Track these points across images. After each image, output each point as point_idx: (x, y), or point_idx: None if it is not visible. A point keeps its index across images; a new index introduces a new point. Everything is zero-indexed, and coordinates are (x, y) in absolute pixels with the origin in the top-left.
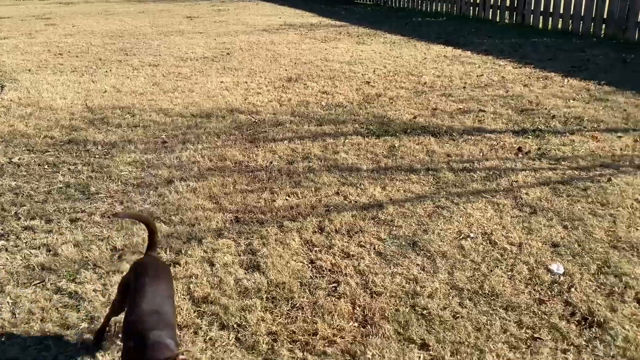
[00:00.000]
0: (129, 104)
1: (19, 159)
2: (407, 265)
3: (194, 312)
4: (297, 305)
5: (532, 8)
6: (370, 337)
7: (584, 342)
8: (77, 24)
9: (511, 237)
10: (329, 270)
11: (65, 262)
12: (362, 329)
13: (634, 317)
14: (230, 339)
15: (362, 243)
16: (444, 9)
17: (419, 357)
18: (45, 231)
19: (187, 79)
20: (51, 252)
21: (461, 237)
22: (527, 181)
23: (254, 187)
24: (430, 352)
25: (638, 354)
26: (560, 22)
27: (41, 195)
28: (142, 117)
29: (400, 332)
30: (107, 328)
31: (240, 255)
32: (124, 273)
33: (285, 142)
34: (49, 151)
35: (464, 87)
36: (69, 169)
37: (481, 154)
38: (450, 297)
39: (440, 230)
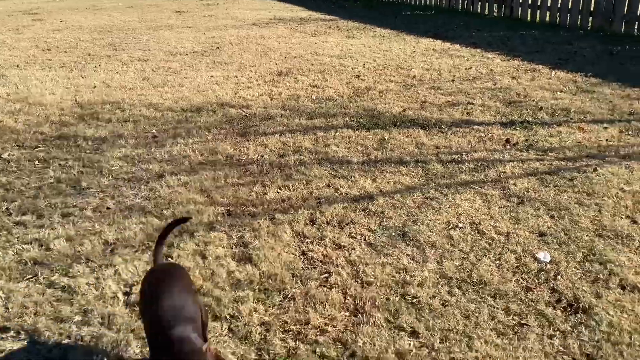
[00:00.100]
0: (118, 99)
1: (9, 154)
2: (397, 255)
3: None
4: (289, 295)
5: (521, 1)
6: (361, 325)
7: (569, 328)
8: (65, 19)
9: (499, 227)
10: (321, 261)
11: (58, 256)
12: (353, 317)
13: (618, 303)
14: (224, 329)
15: (352, 234)
16: (433, 3)
17: (409, 344)
18: (37, 226)
19: (176, 74)
20: (43, 247)
21: (450, 227)
22: (514, 172)
23: (245, 180)
24: (420, 340)
25: (622, 338)
26: (548, 15)
27: (32, 190)
28: (132, 112)
29: (390, 320)
30: None
31: (232, 248)
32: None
33: (276, 135)
34: (39, 147)
35: (453, 80)
36: (59, 164)
37: (469, 146)
38: (440, 286)
39: (430, 220)
